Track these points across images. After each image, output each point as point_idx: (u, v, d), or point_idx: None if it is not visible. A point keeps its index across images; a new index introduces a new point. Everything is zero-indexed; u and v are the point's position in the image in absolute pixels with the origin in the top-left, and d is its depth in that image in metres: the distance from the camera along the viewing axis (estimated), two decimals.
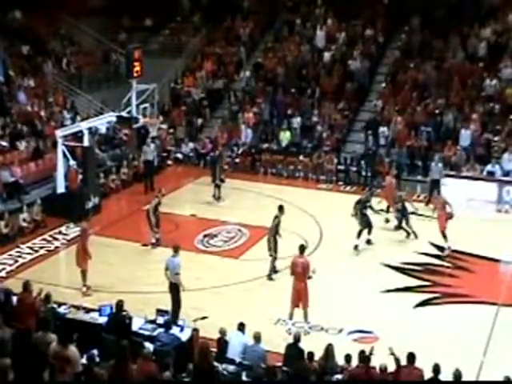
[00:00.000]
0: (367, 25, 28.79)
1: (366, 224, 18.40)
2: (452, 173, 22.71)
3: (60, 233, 19.69)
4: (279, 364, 11.39)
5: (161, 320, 12.68)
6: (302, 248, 14.92)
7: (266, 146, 25.95)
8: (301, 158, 24.89)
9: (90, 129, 21.97)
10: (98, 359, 10.02)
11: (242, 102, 27.67)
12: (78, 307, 13.79)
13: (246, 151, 25.76)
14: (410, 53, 27.49)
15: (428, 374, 10.39)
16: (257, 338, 11.66)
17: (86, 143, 21.52)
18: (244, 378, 10.63)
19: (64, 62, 27.78)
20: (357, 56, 27.53)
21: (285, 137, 25.81)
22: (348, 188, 23.29)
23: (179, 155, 26.38)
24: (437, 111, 25.01)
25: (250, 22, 30.83)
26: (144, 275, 17.17)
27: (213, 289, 15.69)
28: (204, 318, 14.18)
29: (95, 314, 13.05)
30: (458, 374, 10.21)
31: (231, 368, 11.00)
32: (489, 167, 22.71)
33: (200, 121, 27.73)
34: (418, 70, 26.54)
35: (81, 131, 21.44)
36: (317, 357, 11.36)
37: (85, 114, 25.32)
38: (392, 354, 10.63)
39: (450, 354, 12.67)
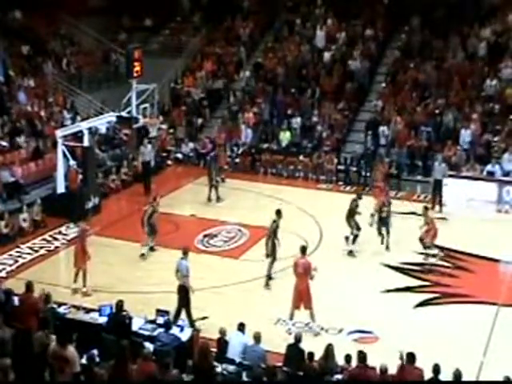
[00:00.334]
0: (367, 25, 28.79)
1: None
2: (452, 173, 22.70)
3: (60, 233, 19.68)
4: (279, 364, 11.39)
5: (161, 320, 12.68)
6: (304, 249, 14.90)
7: (266, 146, 25.95)
8: (301, 158, 24.88)
9: (89, 129, 21.96)
10: (97, 359, 10.03)
11: (242, 102, 27.66)
12: (78, 307, 13.80)
13: (246, 151, 25.76)
14: (410, 53, 27.49)
15: (428, 374, 10.40)
16: (257, 338, 11.66)
17: (85, 143, 21.51)
18: (244, 377, 10.62)
19: (64, 62, 27.78)
20: (357, 56, 27.53)
21: (285, 137, 25.81)
22: (348, 188, 23.27)
23: (179, 155, 26.38)
24: (437, 111, 25.02)
25: (250, 22, 30.82)
26: (144, 275, 17.17)
27: (213, 289, 15.68)
28: (204, 318, 14.25)
29: (95, 314, 13.06)
30: (458, 374, 10.22)
31: (231, 368, 11.00)
32: (489, 167, 22.70)
33: (200, 121, 27.73)
34: (418, 70, 26.54)
35: (81, 131, 21.43)
36: (317, 357, 11.36)
37: (85, 114, 25.31)
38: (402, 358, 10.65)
39: (450, 354, 12.67)
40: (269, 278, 16.49)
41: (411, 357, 10.49)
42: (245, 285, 16.52)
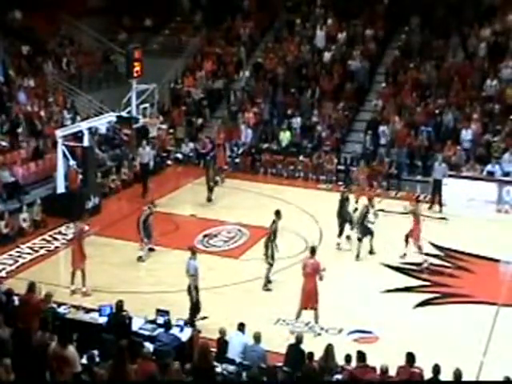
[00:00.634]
0: (367, 25, 28.78)
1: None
2: (452, 173, 22.71)
3: (60, 233, 19.67)
4: (279, 364, 11.40)
5: (161, 320, 12.68)
6: (313, 249, 14.90)
7: (266, 146, 25.94)
8: (301, 158, 24.89)
9: (89, 129, 21.97)
10: (98, 359, 10.03)
11: (242, 102, 27.66)
12: (77, 307, 13.81)
13: (246, 151, 25.76)
14: (410, 53, 27.49)
15: (428, 374, 10.40)
16: (257, 338, 11.67)
17: (85, 143, 21.51)
18: (244, 377, 10.63)
19: (64, 62, 27.76)
20: (357, 56, 27.52)
21: (285, 137, 25.80)
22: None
23: (179, 155, 26.37)
24: (437, 111, 25.02)
25: (250, 22, 30.81)
26: (144, 275, 17.18)
27: (213, 289, 15.67)
28: (204, 318, 14.24)
29: (95, 314, 13.06)
30: (458, 374, 10.22)
31: (231, 368, 11.01)
32: (489, 167, 22.71)
33: (200, 121, 27.72)
34: (418, 70, 26.54)
35: (81, 131, 21.43)
36: (317, 357, 11.36)
37: (85, 114, 25.31)
38: None
39: (450, 354, 12.68)
40: (268, 281, 16.44)
41: (411, 357, 10.48)
42: (245, 285, 16.52)
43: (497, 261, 18.01)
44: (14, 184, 21.13)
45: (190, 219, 20.94)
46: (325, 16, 29.60)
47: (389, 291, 16.27)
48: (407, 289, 16.50)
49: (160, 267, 17.50)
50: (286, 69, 28.16)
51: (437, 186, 21.74)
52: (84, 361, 9.68)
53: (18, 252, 18.45)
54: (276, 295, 15.99)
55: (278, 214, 16.59)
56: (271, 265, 16.32)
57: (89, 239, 17.63)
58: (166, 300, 14.80)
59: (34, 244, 19.00)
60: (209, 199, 22.02)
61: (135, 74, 21.89)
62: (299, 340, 11.79)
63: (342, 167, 24.39)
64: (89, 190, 21.21)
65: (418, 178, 23.45)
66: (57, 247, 18.89)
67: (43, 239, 19.33)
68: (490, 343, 14.02)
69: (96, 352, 10.15)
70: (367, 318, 14.85)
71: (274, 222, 16.42)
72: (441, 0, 27.98)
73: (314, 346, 11.78)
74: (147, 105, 22.90)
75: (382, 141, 24.91)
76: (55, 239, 19.33)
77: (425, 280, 16.98)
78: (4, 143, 22.22)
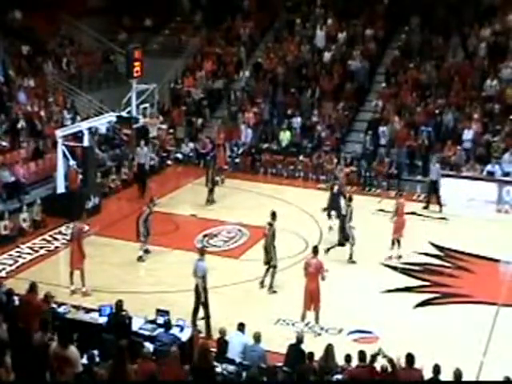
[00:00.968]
0: (367, 25, 28.79)
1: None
2: (452, 173, 22.73)
3: (60, 233, 19.67)
4: (279, 364, 11.39)
5: (161, 320, 12.68)
6: (316, 249, 14.90)
7: (266, 146, 25.95)
8: (301, 158, 24.89)
9: (89, 129, 21.97)
10: (98, 359, 10.03)
11: (242, 102, 27.66)
12: (77, 307, 13.81)
13: (246, 151, 25.77)
14: (410, 53, 27.50)
15: (428, 375, 10.40)
16: (257, 338, 11.66)
17: (85, 143, 21.51)
18: (244, 378, 10.63)
19: (64, 62, 27.76)
20: (357, 56, 27.52)
21: (285, 137, 25.81)
22: (348, 188, 23.23)
23: (179, 155, 26.38)
24: (437, 111, 25.03)
25: (250, 22, 30.82)
26: (144, 275, 17.18)
27: (213, 289, 15.65)
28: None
29: (95, 314, 13.06)
30: (458, 374, 10.21)
31: (231, 368, 11.01)
32: (489, 167, 22.73)
33: (200, 121, 27.72)
34: (418, 70, 26.55)
35: (81, 131, 21.44)
36: (317, 357, 11.36)
37: (85, 114, 25.31)
38: (384, 356, 10.60)
39: (450, 354, 12.68)
40: (266, 284, 16.38)
41: (410, 358, 10.47)
42: (245, 285, 16.52)
43: (497, 261, 18.02)
44: (14, 184, 21.13)
45: (190, 219, 20.94)
46: (325, 16, 29.61)
47: (389, 291, 16.27)
48: (407, 289, 16.50)
49: (160, 267, 17.50)
50: (285, 69, 28.16)
51: (432, 187, 21.76)
52: (84, 361, 9.68)
53: (17, 252, 18.45)
54: (276, 295, 15.99)
55: (273, 216, 16.44)
56: (276, 267, 16.27)
57: (89, 239, 17.65)
58: (165, 300, 14.80)
59: (34, 244, 19.00)
60: (207, 201, 21.94)
61: (135, 74, 21.89)
62: (299, 340, 11.79)
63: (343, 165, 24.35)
64: (89, 190, 21.22)
65: (418, 177, 23.45)
66: (57, 247, 18.88)
67: (43, 239, 19.33)
68: (489, 343, 14.03)
69: (96, 352, 10.16)
70: (367, 318, 14.85)
71: (270, 224, 16.28)
72: (441, 0, 27.98)
73: (314, 346, 11.79)
74: (147, 105, 22.89)
75: (382, 141, 24.92)
76: (55, 239, 19.33)
77: (425, 280, 16.98)
78: (4, 143, 22.23)
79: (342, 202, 18.88)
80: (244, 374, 10.58)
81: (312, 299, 14.32)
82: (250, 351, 11.63)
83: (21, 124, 23.11)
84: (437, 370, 10.29)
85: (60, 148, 21.02)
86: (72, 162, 21.27)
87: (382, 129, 25.02)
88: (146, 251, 18.13)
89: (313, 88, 27.14)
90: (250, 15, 31.27)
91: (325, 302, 14.53)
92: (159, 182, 23.85)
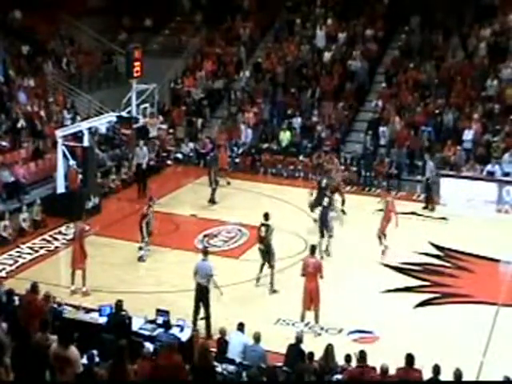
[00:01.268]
0: (367, 25, 28.79)
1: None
2: (452, 173, 22.74)
3: (60, 233, 19.68)
4: (279, 364, 11.39)
5: (161, 320, 12.69)
6: (313, 248, 14.91)
7: (266, 146, 25.94)
8: (301, 158, 24.88)
9: (89, 129, 21.96)
10: (97, 359, 10.03)
11: (242, 102, 27.66)
12: (77, 307, 13.81)
13: (246, 151, 25.77)
14: (410, 53, 27.50)
15: (428, 375, 10.40)
16: (257, 338, 11.66)
17: (85, 143, 21.51)
18: (244, 377, 10.63)
19: (64, 62, 27.77)
20: (357, 56, 27.53)
21: (285, 137, 25.80)
22: (348, 188, 23.24)
23: (179, 155, 26.38)
24: (437, 111, 25.03)
25: (250, 22, 30.82)
26: (144, 275, 17.17)
27: (213, 289, 15.65)
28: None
29: (95, 314, 13.06)
30: (458, 374, 10.21)
31: (231, 368, 11.00)
32: (489, 167, 22.72)
33: (200, 121, 27.72)
34: (418, 70, 26.54)
35: (81, 131, 21.44)
36: (317, 357, 11.36)
37: (85, 114, 25.32)
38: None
39: (450, 354, 12.68)
40: (271, 285, 16.38)
41: (410, 358, 10.47)
42: (245, 285, 16.51)
43: (497, 261, 18.01)
44: (14, 184, 21.13)
45: (190, 219, 20.94)
46: (325, 16, 29.61)
47: (389, 291, 16.27)
48: (407, 289, 16.50)
49: (160, 267, 17.50)
50: (285, 69, 28.16)
51: (427, 186, 21.82)
52: (84, 361, 9.68)
53: (17, 252, 18.45)
54: (276, 295, 15.98)
55: (266, 217, 16.45)
56: (274, 267, 16.27)
57: (89, 239, 17.62)
58: (165, 300, 14.81)
59: (34, 244, 19.00)
60: (210, 201, 21.96)
61: (135, 74, 21.88)
62: (299, 340, 11.79)
63: (341, 167, 24.33)
64: (89, 190, 21.21)
65: (418, 177, 23.43)
66: (57, 247, 18.90)
67: (43, 239, 19.33)
68: (490, 343, 14.02)
69: (96, 352, 10.15)
70: (367, 318, 14.84)
71: (267, 225, 16.27)
72: (441, 0, 27.97)
73: (314, 346, 11.79)
74: (147, 105, 22.90)
75: (382, 141, 24.93)
76: (55, 239, 19.33)
77: (425, 280, 16.97)
78: (4, 143, 22.23)
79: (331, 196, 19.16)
80: (244, 374, 10.58)
81: (311, 299, 14.31)
82: (250, 351, 11.62)
83: (21, 124, 23.11)
84: (436, 370, 10.28)
85: (60, 148, 21.02)
86: (72, 162, 21.26)
87: (381, 129, 25.02)
88: (141, 248, 18.07)
89: (313, 88, 27.14)
90: (249, 15, 31.27)
91: (325, 302, 14.53)
92: (159, 181, 23.84)
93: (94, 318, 12.93)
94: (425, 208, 21.57)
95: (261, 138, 26.36)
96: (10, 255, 18.22)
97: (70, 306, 13.95)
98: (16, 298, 12.66)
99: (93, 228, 19.29)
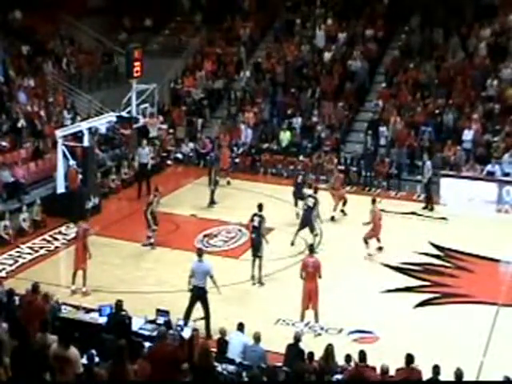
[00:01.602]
0: (367, 25, 28.79)
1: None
2: (452, 173, 22.74)
3: (60, 233, 19.68)
4: (279, 364, 11.39)
5: (161, 320, 12.68)
6: (312, 247, 14.94)
7: (266, 146, 25.95)
8: (301, 158, 24.88)
9: (89, 129, 21.96)
10: (97, 359, 10.02)
11: (242, 102, 27.66)
12: (77, 307, 13.81)
13: (246, 151, 25.77)
14: (410, 53, 27.50)
15: (427, 375, 10.40)
16: (257, 338, 11.66)
17: (85, 143, 21.51)
18: (244, 377, 10.63)
19: (64, 62, 27.77)
20: (357, 56, 27.53)
21: (285, 137, 25.80)
22: (348, 188, 23.24)
23: (179, 155, 26.39)
24: (437, 111, 25.03)
25: (250, 22, 30.83)
26: (144, 275, 17.17)
27: (212, 289, 15.65)
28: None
29: (95, 314, 13.05)
30: (459, 373, 10.21)
31: (231, 368, 11.00)
32: (489, 167, 22.72)
33: (200, 121, 27.72)
34: (418, 70, 26.55)
35: (81, 131, 21.43)
36: (317, 357, 11.36)
37: (85, 114, 25.32)
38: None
39: (450, 354, 12.69)
40: (259, 278, 16.49)
41: (410, 358, 10.47)
42: (245, 285, 16.52)
43: (497, 261, 18.01)
44: (14, 184, 21.13)
45: (190, 219, 20.93)
46: (325, 16, 29.62)
47: (389, 291, 16.27)
48: (407, 289, 16.50)
49: (160, 267, 17.50)
50: (285, 69, 28.16)
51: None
52: (84, 361, 9.67)
53: (17, 252, 18.45)
54: (276, 295, 15.99)
55: (260, 208, 16.76)
56: (261, 257, 16.47)
57: (89, 239, 17.59)
58: (165, 300, 14.80)
59: (34, 244, 19.00)
60: (210, 203, 21.92)
61: (135, 74, 21.89)
62: (297, 339, 11.79)
63: (342, 167, 24.35)
64: (89, 190, 21.21)
65: (418, 177, 23.42)
66: (57, 247, 18.90)
67: (43, 239, 19.33)
68: (490, 343, 14.02)
69: (96, 352, 10.15)
70: (367, 318, 14.85)
71: (260, 216, 16.51)
72: (441, 0, 27.98)
73: (314, 346, 11.79)
74: (147, 105, 22.90)
75: (382, 141, 24.93)
76: (55, 239, 19.34)
77: (425, 280, 16.97)
78: (4, 143, 22.23)
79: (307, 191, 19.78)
80: (244, 374, 10.57)
81: (310, 298, 14.34)
82: (250, 351, 11.62)
83: (21, 124, 23.11)
84: (436, 370, 10.29)
85: (60, 148, 21.03)
86: (72, 162, 21.26)
87: (381, 129, 25.02)
88: (151, 244, 18.36)
89: (313, 88, 27.14)
90: (249, 15, 31.29)
91: (325, 301, 14.54)
92: (159, 182, 23.78)
93: (94, 318, 12.93)
94: (425, 208, 21.58)
95: (261, 137, 26.36)
96: (10, 255, 18.22)
97: (70, 305, 13.97)
98: (16, 298, 12.66)
99: (92, 228, 19.26)
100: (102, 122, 22.84)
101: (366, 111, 26.62)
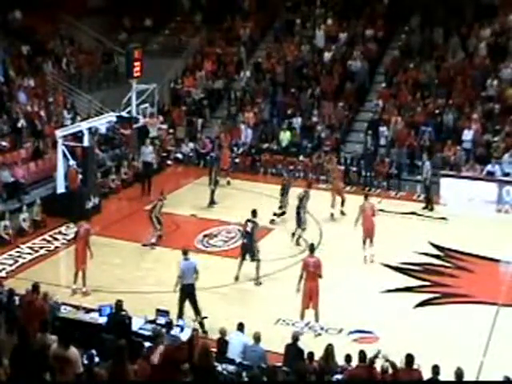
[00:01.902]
0: (367, 25, 28.80)
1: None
2: (452, 173, 22.73)
3: (60, 233, 19.68)
4: (279, 364, 11.39)
5: (161, 320, 12.68)
6: (312, 247, 14.95)
7: (266, 146, 25.95)
8: (301, 158, 24.88)
9: (89, 129, 21.96)
10: (97, 359, 10.02)
11: (242, 102, 27.66)
12: (77, 307, 13.81)
13: (246, 151, 25.76)
14: (410, 53, 27.50)
15: (427, 375, 10.39)
16: (257, 338, 11.66)
17: (86, 143, 21.51)
18: (244, 377, 10.62)
19: (64, 62, 27.76)
20: (357, 56, 27.53)
21: (285, 137, 25.80)
22: (348, 188, 23.24)
23: (179, 155, 26.38)
24: (437, 111, 25.03)
25: (250, 22, 30.83)
26: (144, 275, 17.17)
27: (213, 289, 15.68)
28: (204, 318, 14.22)
29: (95, 314, 13.06)
30: (459, 373, 10.21)
31: (231, 368, 11.00)
32: (489, 167, 22.73)
33: (200, 121, 27.71)
34: (418, 70, 26.55)
35: (81, 131, 21.44)
36: (317, 357, 11.36)
37: (85, 114, 25.32)
38: (387, 360, 10.58)
39: (450, 354, 12.69)
40: (257, 278, 16.53)
41: (409, 358, 10.46)
42: (245, 285, 16.52)
43: (497, 261, 18.01)
44: (14, 184, 21.13)
45: (190, 219, 20.93)
46: (325, 16, 29.63)
47: (389, 291, 16.27)
48: (407, 289, 16.50)
49: (160, 267, 17.49)
50: (285, 69, 28.16)
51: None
52: (84, 361, 9.67)
53: (17, 252, 18.45)
54: (276, 295, 15.98)
55: (254, 213, 16.71)
56: (259, 261, 16.45)
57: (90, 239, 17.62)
58: (165, 300, 14.78)
59: (34, 244, 19.00)
60: (210, 203, 21.92)
61: (135, 74, 21.89)
62: (296, 338, 11.79)
63: (341, 167, 24.35)
64: (89, 190, 21.21)
65: (418, 177, 23.42)
66: (57, 247, 18.90)
67: (43, 239, 19.33)
68: (489, 343, 14.02)
69: (96, 352, 10.15)
70: (367, 318, 14.85)
71: (253, 222, 16.52)
72: (441, 0, 27.98)
73: (314, 346, 11.78)
74: (147, 105, 22.89)
75: (382, 141, 24.93)
76: (55, 239, 19.34)
77: (425, 280, 16.97)
78: (4, 143, 22.23)
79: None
80: (244, 374, 10.57)
81: (311, 297, 14.34)
82: (250, 351, 11.63)
83: (21, 124, 23.11)
84: (436, 370, 10.29)
85: (60, 148, 21.03)
86: (72, 162, 21.26)
87: (381, 129, 25.02)
88: (153, 244, 18.40)
89: (313, 88, 27.14)
90: (249, 15, 31.29)
91: (325, 301, 14.53)
92: (159, 182, 23.81)
93: (94, 317, 12.93)
94: (425, 208, 21.59)
95: (261, 137, 26.36)
96: (10, 255, 18.22)
97: (70, 305, 13.96)
98: (16, 298, 12.66)
99: (92, 228, 19.26)
100: (102, 122, 22.84)
101: (366, 111, 26.63)
